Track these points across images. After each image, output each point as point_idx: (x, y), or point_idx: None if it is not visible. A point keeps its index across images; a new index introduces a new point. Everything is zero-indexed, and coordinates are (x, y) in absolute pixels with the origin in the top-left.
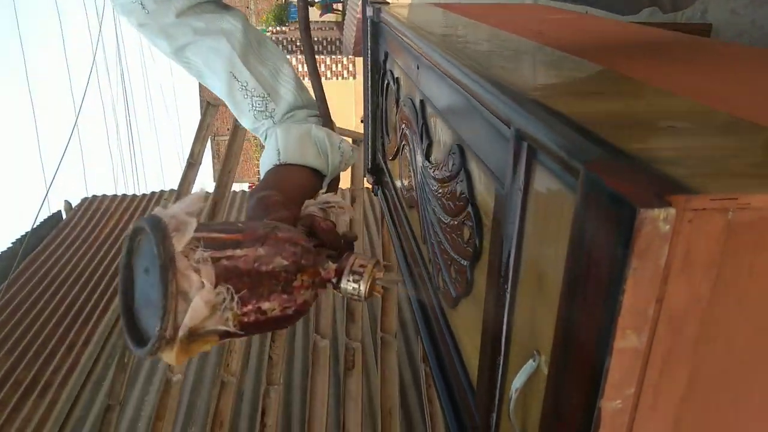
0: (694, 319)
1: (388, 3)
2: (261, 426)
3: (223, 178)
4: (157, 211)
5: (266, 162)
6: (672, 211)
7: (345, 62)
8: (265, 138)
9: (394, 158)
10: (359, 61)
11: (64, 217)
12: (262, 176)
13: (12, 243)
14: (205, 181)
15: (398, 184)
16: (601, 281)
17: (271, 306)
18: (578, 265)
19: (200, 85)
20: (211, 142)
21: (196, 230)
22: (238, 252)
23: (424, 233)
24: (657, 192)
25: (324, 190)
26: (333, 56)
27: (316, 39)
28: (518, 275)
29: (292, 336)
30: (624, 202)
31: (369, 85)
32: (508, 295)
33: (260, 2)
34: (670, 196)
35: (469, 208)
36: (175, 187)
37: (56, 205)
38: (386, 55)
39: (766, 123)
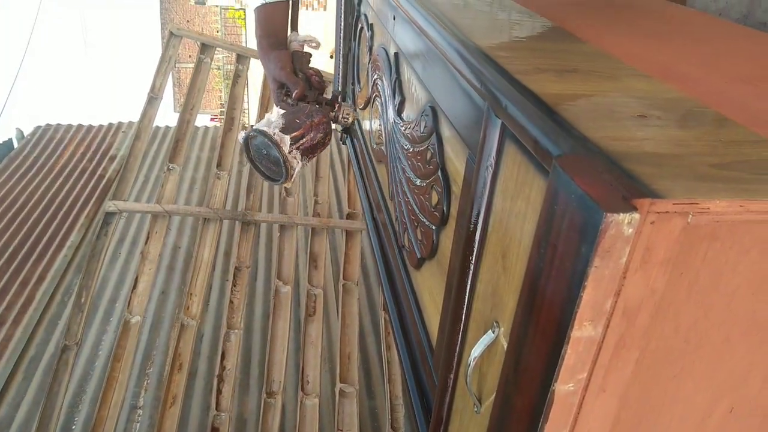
0: (647, 310)
1: None
2: (220, 369)
3: (185, 114)
4: (265, 128)
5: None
6: (636, 215)
7: None
8: None
9: (364, 107)
10: None
11: (15, 145)
12: (249, 11)
13: None
14: (165, 112)
15: (367, 135)
16: (563, 274)
17: (320, 151)
18: (543, 254)
19: (162, 13)
20: (172, 70)
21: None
22: (304, 140)
23: (391, 189)
24: (624, 195)
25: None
26: None
27: None
28: (483, 247)
29: (254, 281)
30: (592, 205)
31: (342, 26)
32: (472, 265)
33: None
34: (636, 200)
35: (439, 173)
36: (132, 119)
37: (7, 133)
38: None
39: (729, 113)
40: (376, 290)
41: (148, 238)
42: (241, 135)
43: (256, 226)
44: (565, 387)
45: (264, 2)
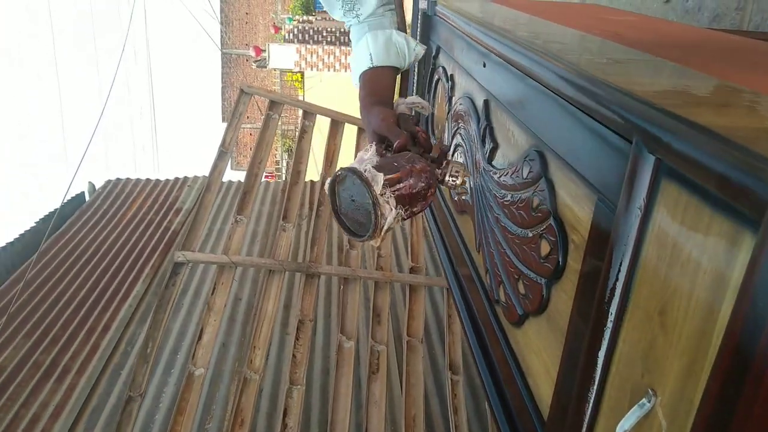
0: None
1: None
2: (282, 426)
3: (254, 168)
4: (356, 165)
5: (360, 63)
6: None
7: None
8: (353, 34)
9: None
10: None
11: (87, 198)
12: (355, 74)
13: (36, 222)
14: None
15: (445, 188)
16: None
17: (419, 209)
18: (762, 319)
19: (223, 76)
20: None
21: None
22: (401, 185)
23: (478, 241)
24: None
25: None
26: None
27: (343, 30)
28: (627, 302)
29: (317, 336)
30: None
31: (414, 80)
32: (611, 323)
33: None
34: None
35: (551, 221)
36: (197, 174)
37: (79, 186)
38: (438, 50)
39: None
40: (438, 349)
41: (214, 289)
42: (327, 182)
43: (318, 278)
44: None
45: (371, 66)
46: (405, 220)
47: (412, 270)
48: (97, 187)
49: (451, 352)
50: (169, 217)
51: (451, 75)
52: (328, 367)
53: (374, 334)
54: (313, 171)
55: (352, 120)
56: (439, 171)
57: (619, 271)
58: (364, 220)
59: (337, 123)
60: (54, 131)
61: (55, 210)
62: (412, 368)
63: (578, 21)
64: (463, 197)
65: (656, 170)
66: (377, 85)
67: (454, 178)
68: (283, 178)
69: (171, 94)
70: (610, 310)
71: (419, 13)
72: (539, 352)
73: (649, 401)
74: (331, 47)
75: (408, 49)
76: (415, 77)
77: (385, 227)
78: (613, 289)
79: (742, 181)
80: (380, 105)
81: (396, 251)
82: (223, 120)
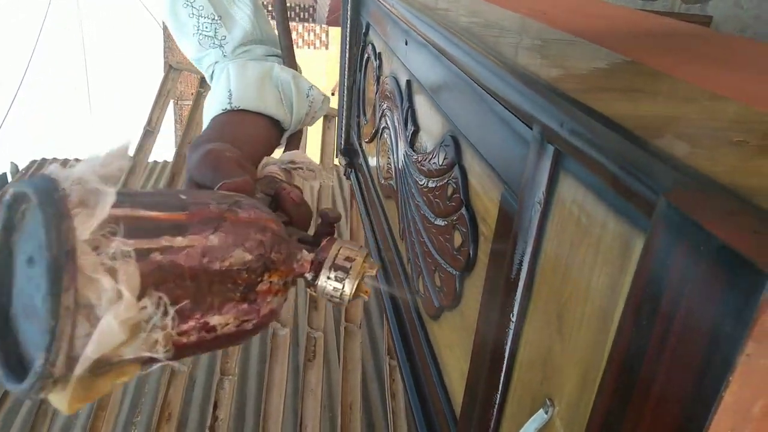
0: None
1: None
2: (213, 419)
3: (183, 148)
4: (54, 170)
5: (213, 105)
6: None
7: (318, 31)
8: (212, 75)
9: (371, 140)
10: (334, 30)
11: (9, 180)
12: (205, 123)
13: None
14: (166, 150)
15: (374, 169)
16: (689, 362)
17: (223, 320)
18: (645, 328)
19: (165, 52)
20: (174, 106)
21: (115, 205)
22: (179, 240)
23: (402, 229)
24: None
25: (282, 148)
26: (305, 24)
27: (289, 4)
28: (528, 303)
29: None
30: (743, 262)
31: (346, 57)
32: (512, 324)
33: None
34: None
35: (463, 211)
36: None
37: (1, 168)
38: (367, 26)
39: None
40: (379, 334)
41: None
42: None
43: None
44: None
45: (227, 109)
46: (182, 340)
47: None
48: (20, 168)
49: (390, 337)
50: None
51: (379, 53)
52: (265, 357)
53: (311, 321)
54: None
55: None
56: (310, 261)
57: (520, 269)
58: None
59: None
60: None
61: None
62: (349, 354)
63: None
64: (390, 182)
65: (555, 162)
66: (233, 131)
67: (340, 274)
68: None
69: (107, 71)
70: (513, 310)
71: None
72: (453, 348)
73: (546, 412)
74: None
75: (297, 92)
76: (347, 56)
77: (94, 349)
78: (515, 287)
79: (633, 177)
80: (221, 147)
81: (338, 235)
82: (165, 59)
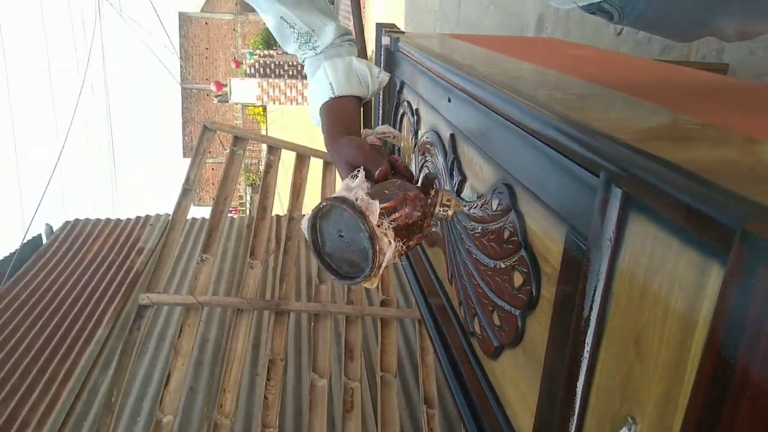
0: None
1: (404, 32)
2: None
3: (219, 205)
4: (345, 194)
5: (319, 94)
6: None
7: None
8: (309, 66)
9: None
10: None
11: (44, 241)
12: (314, 107)
13: None
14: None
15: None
16: None
17: (415, 242)
18: (736, 344)
19: (183, 111)
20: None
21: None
22: (397, 215)
23: (451, 273)
24: None
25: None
26: None
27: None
28: (602, 333)
29: (288, 375)
30: None
31: (380, 114)
32: (587, 354)
33: (246, 26)
34: None
35: (523, 252)
36: (159, 212)
37: (36, 229)
38: (402, 84)
39: None
40: (412, 382)
41: (180, 331)
42: (306, 219)
43: (288, 315)
44: None
45: (332, 96)
46: (402, 255)
47: (383, 303)
48: (54, 229)
49: (425, 385)
50: (131, 258)
51: (417, 109)
52: (301, 407)
53: (347, 371)
54: (277, 205)
55: (317, 153)
56: (429, 201)
57: (593, 301)
58: (356, 258)
59: (302, 157)
60: (7, 171)
61: (12, 254)
62: (386, 404)
63: (536, 55)
64: (434, 229)
65: (624, 203)
66: (342, 114)
67: (445, 209)
68: (248, 213)
69: (130, 131)
70: (586, 340)
71: (382, 50)
72: (517, 383)
73: (629, 430)
74: (293, 81)
75: (371, 77)
76: (381, 111)
77: (384, 264)
78: (588, 319)
79: (707, 214)
80: (349, 135)
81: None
82: (185, 155)
